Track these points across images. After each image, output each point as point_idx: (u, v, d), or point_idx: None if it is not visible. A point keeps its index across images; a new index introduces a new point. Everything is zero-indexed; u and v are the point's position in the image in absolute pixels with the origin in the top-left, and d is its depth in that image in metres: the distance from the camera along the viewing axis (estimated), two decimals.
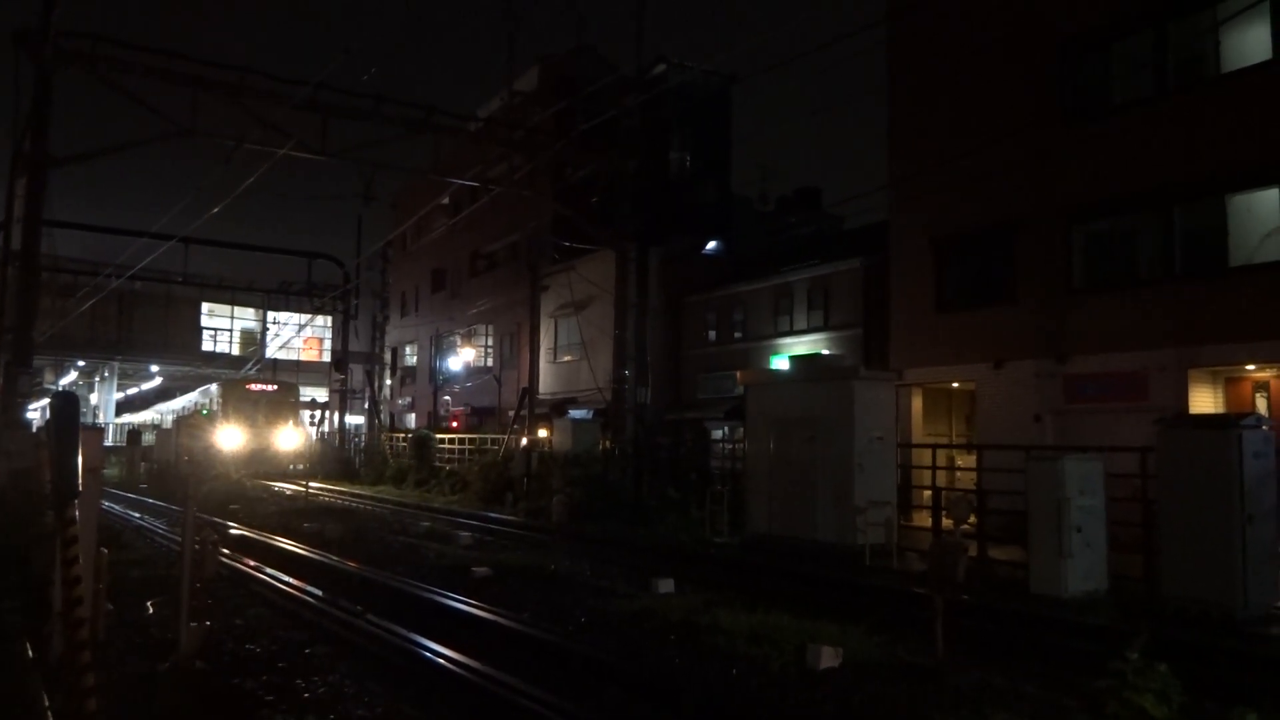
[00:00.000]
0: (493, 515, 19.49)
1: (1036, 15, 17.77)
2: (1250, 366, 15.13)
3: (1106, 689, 5.52)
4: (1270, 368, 14.86)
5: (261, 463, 31.56)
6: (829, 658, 6.90)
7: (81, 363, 56.39)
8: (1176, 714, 5.26)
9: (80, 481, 4.32)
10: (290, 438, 33.64)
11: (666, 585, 10.43)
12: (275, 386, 35.34)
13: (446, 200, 41.22)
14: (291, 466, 33.29)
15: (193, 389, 46.76)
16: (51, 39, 17.70)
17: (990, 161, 18.13)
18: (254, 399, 33.65)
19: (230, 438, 31.14)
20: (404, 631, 7.80)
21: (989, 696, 6.36)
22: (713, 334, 29.78)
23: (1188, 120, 15.46)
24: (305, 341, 46.74)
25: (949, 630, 7.38)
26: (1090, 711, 5.74)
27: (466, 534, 15.62)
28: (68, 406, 4.21)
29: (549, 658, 7.26)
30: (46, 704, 5.05)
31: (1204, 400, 15.34)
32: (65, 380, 60.14)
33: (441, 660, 6.91)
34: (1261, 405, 15.15)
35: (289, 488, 27.25)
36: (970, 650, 7.79)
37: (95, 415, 56.15)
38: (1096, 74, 17.18)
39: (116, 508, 21.14)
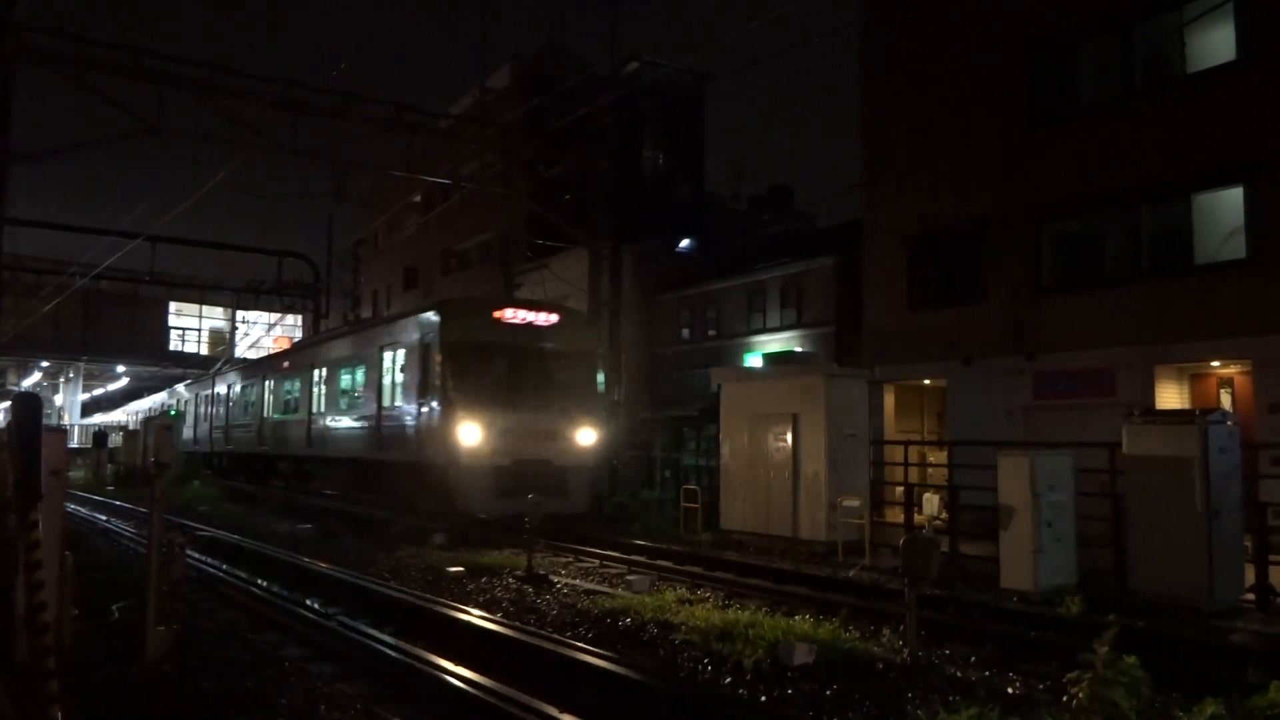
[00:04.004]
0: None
1: (1007, 16, 17.94)
2: (1215, 363, 15.39)
3: (1077, 681, 5.58)
4: (1235, 364, 15.11)
5: (537, 491, 13.35)
6: (803, 654, 6.92)
7: (45, 363, 55.47)
8: (1145, 705, 5.33)
9: (44, 484, 4.23)
10: (588, 436, 16.12)
11: (641, 584, 10.44)
12: (558, 316, 16.57)
13: (418, 198, 41.04)
14: (608, 504, 18.38)
15: (161, 389, 46.20)
16: (13, 33, 17.36)
17: (961, 161, 18.31)
18: (518, 342, 15.81)
19: (466, 434, 14.74)
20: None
21: (961, 690, 6.41)
22: (686, 332, 29.83)
23: (1154, 120, 15.68)
24: (275, 341, 46.22)
25: (922, 625, 7.43)
26: (1061, 704, 5.80)
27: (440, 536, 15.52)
28: (30, 408, 4.12)
29: (526, 658, 7.22)
30: (10, 712, 4.95)
31: (1170, 396, 15.58)
32: (29, 381, 59.15)
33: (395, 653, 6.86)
34: (1226, 401, 15.41)
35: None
36: (943, 644, 7.86)
37: (60, 417, 55.26)
38: (1065, 75, 17.38)
39: (83, 510, 20.82)
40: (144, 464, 30.98)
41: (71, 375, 55.41)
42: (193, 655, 6.94)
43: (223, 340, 51.53)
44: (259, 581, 10.82)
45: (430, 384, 15.46)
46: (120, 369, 55.88)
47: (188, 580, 8.50)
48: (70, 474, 18.71)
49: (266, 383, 25.83)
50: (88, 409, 63.51)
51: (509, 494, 14.33)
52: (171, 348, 52.18)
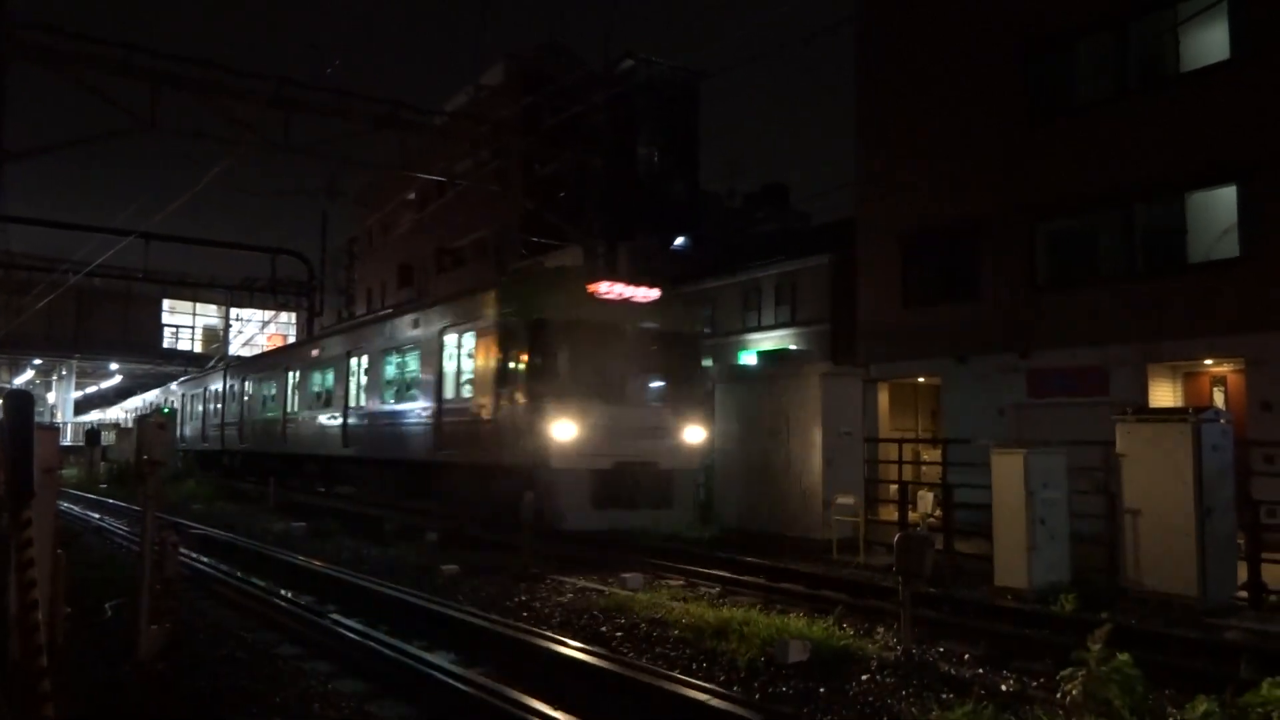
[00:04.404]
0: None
1: (1002, 15, 17.97)
2: (1208, 361, 15.43)
3: (1071, 678, 5.59)
4: (1228, 362, 15.16)
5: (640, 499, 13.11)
6: (797, 651, 6.92)
7: (38, 361, 55.32)
8: (1139, 703, 5.34)
9: (36, 482, 4.21)
10: (696, 433, 14.05)
11: (635, 580, 10.43)
12: (659, 291, 14.15)
13: (413, 196, 41.02)
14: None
15: (156, 386, 46.03)
16: (6, 29, 17.29)
17: (956, 159, 18.35)
18: (616, 322, 13.47)
19: (560, 430, 12.55)
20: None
21: (955, 687, 6.42)
22: None
23: (1148, 119, 15.72)
24: (269, 339, 46.14)
25: (916, 622, 7.44)
26: (1055, 701, 5.81)
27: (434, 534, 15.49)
28: (22, 405, 4.10)
29: (525, 656, 7.22)
30: (2, 711, 4.93)
31: (1164, 394, 15.63)
32: (21, 379, 58.99)
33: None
34: (1219, 399, 15.46)
35: None
36: (937, 642, 7.87)
37: (53, 414, 55.11)
38: (1060, 74, 17.42)
39: (75, 509, 20.76)
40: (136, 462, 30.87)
41: (64, 373, 55.25)
42: (186, 653, 6.92)
43: (216, 338, 51.44)
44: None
45: (512, 371, 13.13)
46: (113, 366, 55.74)
47: (181, 578, 8.49)
48: (63, 472, 18.63)
49: (290, 374, 23.22)
50: (81, 407, 63.30)
51: (608, 503, 12.44)
52: (165, 345, 52.05)
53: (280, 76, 19.72)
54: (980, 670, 7.03)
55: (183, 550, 8.88)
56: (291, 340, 42.92)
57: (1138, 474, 9.70)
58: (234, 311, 50.24)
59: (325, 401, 20.76)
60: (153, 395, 44.13)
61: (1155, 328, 15.18)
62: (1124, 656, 5.43)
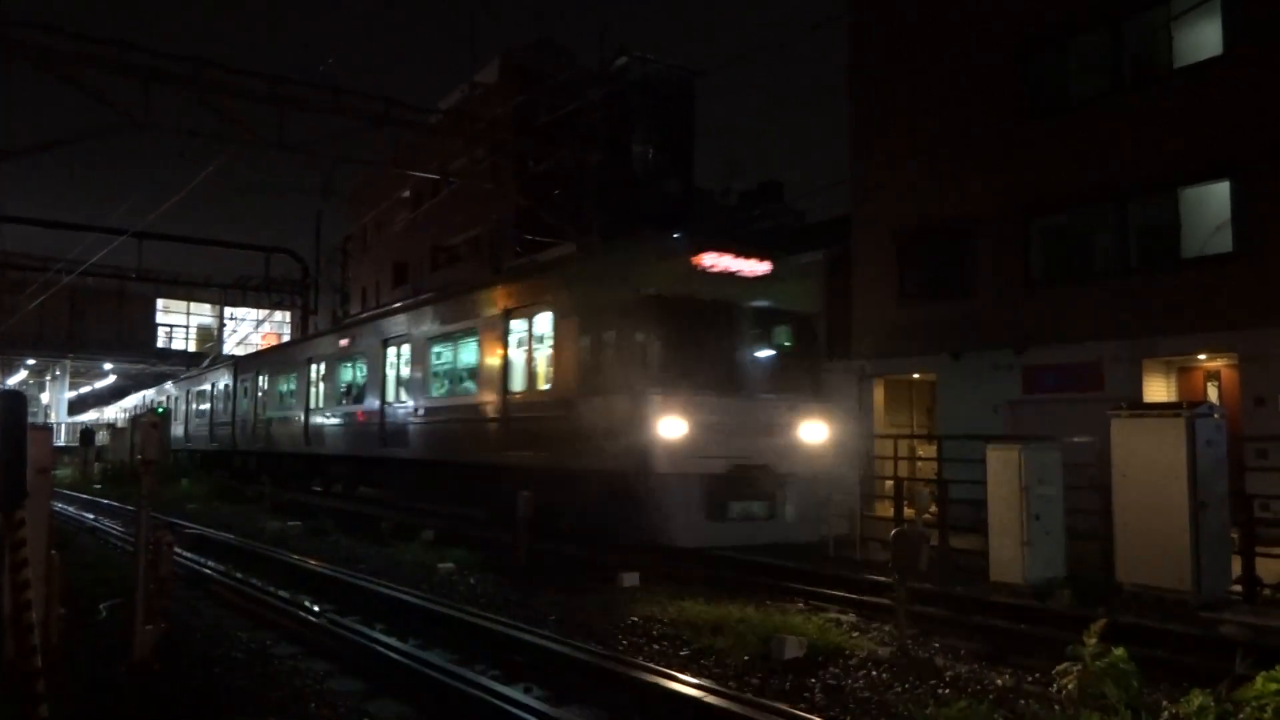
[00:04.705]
0: (442, 513, 19.07)
1: (995, 11, 17.98)
2: (1202, 356, 15.48)
3: (1066, 673, 5.61)
4: (1221, 357, 15.20)
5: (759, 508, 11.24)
6: (794, 648, 6.93)
7: (31, 361, 55.17)
8: (1134, 697, 5.36)
9: (30, 482, 4.20)
10: (818, 430, 11.80)
11: (632, 579, 10.43)
12: (772, 263, 12.07)
13: (407, 194, 40.93)
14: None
15: (150, 386, 45.85)
16: None
17: (950, 156, 18.36)
18: (727, 299, 11.53)
19: (667, 428, 10.47)
20: None
21: (951, 682, 6.43)
22: None
23: (1141, 115, 15.75)
24: (264, 338, 46.06)
25: (911, 618, 7.46)
26: (1050, 696, 5.83)
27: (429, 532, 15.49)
28: (15, 405, 4.09)
29: (528, 654, 7.22)
30: None
31: (1157, 390, 15.67)
32: (14, 379, 58.81)
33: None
34: (1213, 394, 15.51)
35: None
36: (933, 638, 7.89)
37: (46, 415, 54.97)
38: (1054, 70, 17.44)
39: (69, 509, 20.71)
40: (132, 461, 30.81)
41: (58, 373, 55.12)
42: (182, 653, 6.91)
43: (211, 337, 51.33)
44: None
45: (605, 357, 11.21)
46: (107, 366, 55.61)
47: (176, 578, 8.47)
48: (57, 472, 18.57)
49: (312, 368, 21.22)
50: (75, 407, 63.17)
51: (722, 514, 10.72)
52: (159, 345, 51.94)
53: (274, 74, 19.69)
54: (976, 666, 7.04)
55: (178, 550, 8.87)
56: (286, 339, 42.81)
57: (1132, 469, 9.72)
58: (228, 311, 50.17)
59: (356, 397, 18.86)
60: (151, 394, 43.97)
61: (1149, 323, 15.22)
62: (1119, 651, 5.46)
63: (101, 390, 63.73)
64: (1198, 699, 5.18)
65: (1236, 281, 14.33)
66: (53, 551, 5.47)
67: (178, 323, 53.80)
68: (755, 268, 11.77)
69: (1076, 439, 11.30)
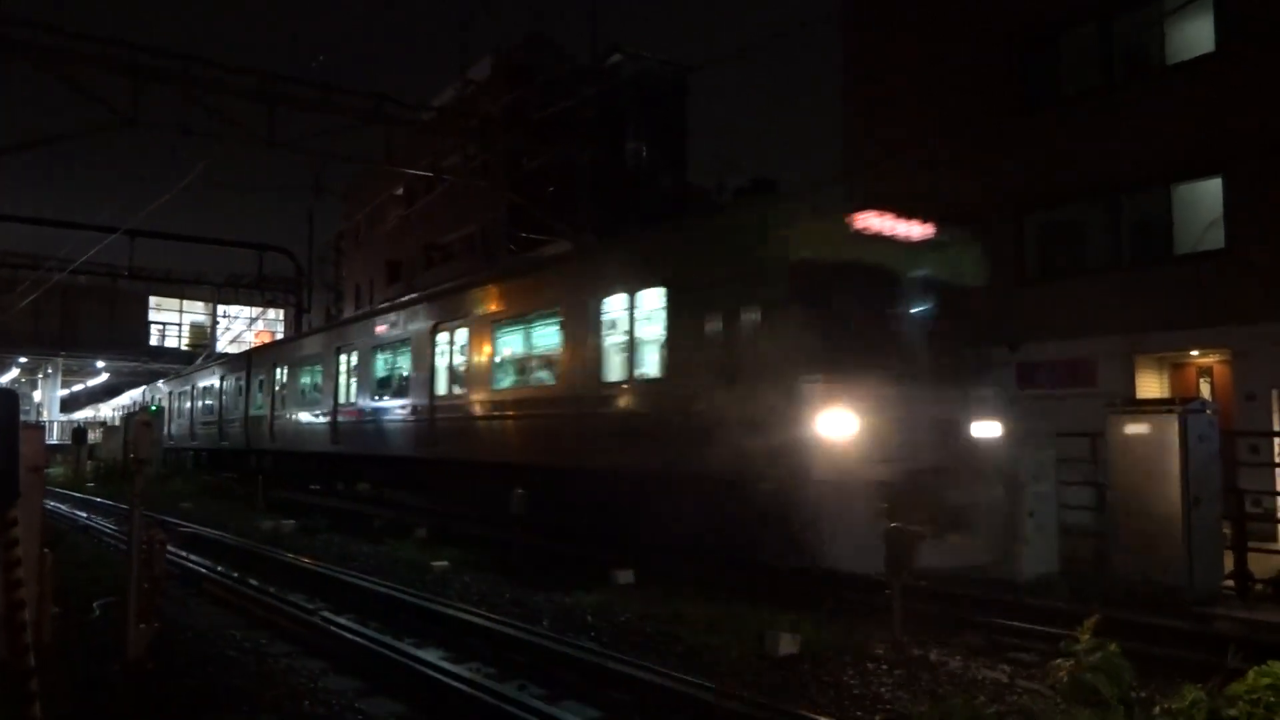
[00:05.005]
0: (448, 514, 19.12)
1: (989, 7, 17.99)
2: (1195, 352, 15.52)
3: (1060, 669, 5.63)
4: (1214, 353, 15.25)
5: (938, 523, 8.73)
6: (788, 644, 6.94)
7: (23, 359, 54.96)
8: (1127, 691, 5.39)
9: (22, 481, 4.18)
10: (992, 428, 9.72)
11: (626, 577, 10.43)
12: (935, 229, 10.61)
13: (400, 191, 40.85)
14: None
15: (143, 383, 45.65)
16: None
17: (943, 152, 18.35)
18: (890, 270, 9.69)
19: (830, 425, 8.42)
20: None
21: (945, 678, 6.44)
22: None
23: (1134, 111, 15.77)
24: (257, 335, 45.96)
25: (905, 615, 7.48)
26: (1045, 691, 5.84)
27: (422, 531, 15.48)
28: (7, 404, 4.07)
29: (520, 652, 7.22)
30: None
31: (1150, 386, 15.71)
32: (6, 377, 58.60)
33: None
34: (1206, 390, 15.55)
35: None
36: (926, 634, 7.90)
37: (39, 413, 54.81)
38: (1047, 66, 17.46)
39: (62, 507, 20.64)
40: (125, 459, 30.67)
41: (50, 371, 54.93)
42: (176, 652, 6.89)
43: (204, 335, 51.20)
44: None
45: (743, 339, 9.18)
46: (100, 364, 55.42)
47: (170, 577, 8.45)
48: (49, 471, 18.49)
49: (342, 358, 19.08)
50: (67, 405, 62.93)
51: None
52: (152, 343, 51.80)
53: (265, 71, 19.62)
54: (970, 662, 7.06)
55: (171, 549, 8.84)
56: (279, 337, 42.66)
57: (1125, 465, 9.75)
58: (221, 308, 50.02)
59: (398, 390, 16.70)
60: (157, 388, 43.70)
61: (1142, 319, 15.25)
62: (1112, 646, 5.48)
63: (95, 388, 63.51)
64: (1190, 694, 5.20)
65: (1229, 278, 14.36)
66: (46, 550, 5.44)
67: (171, 320, 53.66)
68: (921, 232, 10.10)
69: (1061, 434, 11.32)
